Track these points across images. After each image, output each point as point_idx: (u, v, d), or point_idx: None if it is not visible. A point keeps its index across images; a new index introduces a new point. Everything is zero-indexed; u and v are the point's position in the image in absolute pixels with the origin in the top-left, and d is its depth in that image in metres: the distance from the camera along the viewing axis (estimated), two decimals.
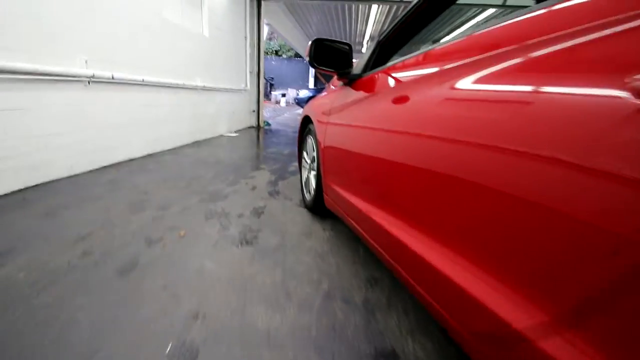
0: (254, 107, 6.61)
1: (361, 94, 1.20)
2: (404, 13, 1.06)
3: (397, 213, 0.86)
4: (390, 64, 1.06)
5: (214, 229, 1.55)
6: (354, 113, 1.21)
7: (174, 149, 3.60)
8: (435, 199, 0.69)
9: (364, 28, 10.11)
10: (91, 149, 2.48)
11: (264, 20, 6.76)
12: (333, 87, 1.62)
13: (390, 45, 1.21)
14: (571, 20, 0.47)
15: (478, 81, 0.61)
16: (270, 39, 19.10)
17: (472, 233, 0.58)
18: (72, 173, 2.31)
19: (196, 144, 4.04)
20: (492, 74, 0.57)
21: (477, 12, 7.46)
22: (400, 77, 0.95)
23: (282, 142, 4.61)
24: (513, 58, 0.53)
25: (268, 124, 6.92)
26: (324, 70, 1.27)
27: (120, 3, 2.67)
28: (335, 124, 1.40)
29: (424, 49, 0.87)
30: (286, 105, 16.11)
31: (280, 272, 1.20)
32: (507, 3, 5.61)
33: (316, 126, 1.67)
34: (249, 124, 6.43)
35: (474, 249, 0.58)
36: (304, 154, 2.02)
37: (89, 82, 2.40)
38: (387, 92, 0.99)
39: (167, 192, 2.05)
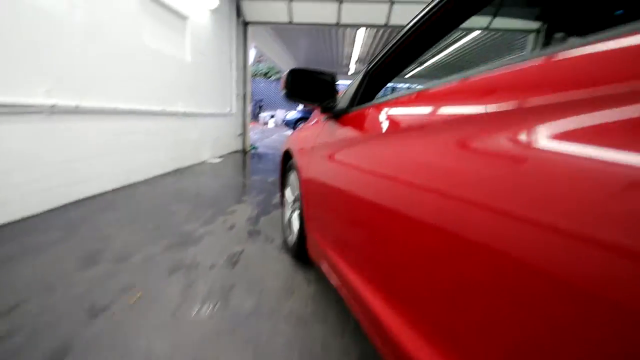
0: (240, 131, 6.44)
1: (348, 133, 1.02)
2: (394, 41, 0.90)
3: (388, 293, 0.66)
4: (382, 100, 0.88)
5: (178, 287, 1.31)
6: (340, 156, 1.02)
7: (151, 179, 3.36)
8: (440, 282, 0.50)
9: (351, 50, 10.21)
10: (52, 185, 2.23)
11: (252, 43, 6.71)
12: (317, 119, 1.44)
13: (380, 76, 1.04)
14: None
15: (488, 132, 0.46)
16: (259, 61, 19.26)
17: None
18: (26, 214, 2.05)
19: (176, 172, 3.81)
20: (502, 127, 0.43)
21: (463, 34, 7.58)
22: (396, 118, 0.77)
23: (268, 168, 4.41)
24: (528, 113, 0.40)
25: (255, 148, 6.74)
26: (303, 103, 1.09)
27: (93, 30, 2.50)
28: (319, 165, 1.20)
29: (424, 86, 0.70)
30: (275, 126, 16.04)
31: (250, 356, 0.96)
32: (515, 27, 5.69)
33: (297, 164, 1.48)
34: (234, 148, 6.24)
35: None
36: (286, 190, 1.81)
37: (50, 113, 2.18)
38: (379, 136, 0.80)
39: (132, 236, 1.80)
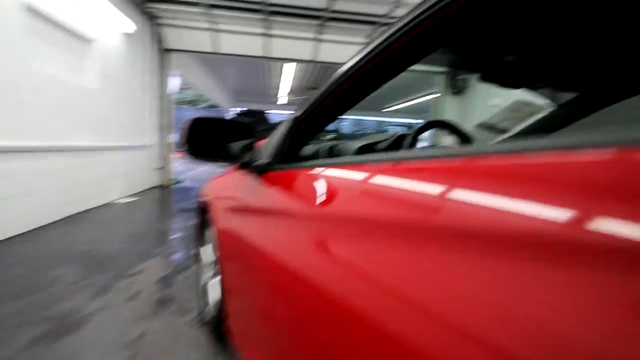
0: (161, 164, 5.80)
1: (274, 197, 0.81)
2: (328, 85, 0.74)
3: None
4: (323, 162, 0.71)
5: None
6: (263, 226, 0.81)
7: (33, 231, 2.67)
8: None
9: (279, 82, 10.30)
10: None
11: (176, 71, 6.25)
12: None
13: (312, 124, 0.87)
14: None
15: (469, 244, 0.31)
16: (185, 89, 18.33)
17: None
18: None
19: (71, 219, 3.13)
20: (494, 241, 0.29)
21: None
22: (341, 189, 0.59)
23: (193, 206, 3.94)
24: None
25: (178, 181, 6.13)
26: (211, 161, 0.86)
27: None
28: (239, 230, 0.97)
29: (379, 156, 0.55)
30: None
31: None
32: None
33: (214, 222, 1.22)
34: (154, 183, 5.56)
35: None
36: (204, 249, 1.51)
37: None
38: (317, 210, 0.62)
39: None
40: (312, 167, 0.70)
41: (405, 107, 12.58)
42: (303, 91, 10.95)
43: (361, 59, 0.65)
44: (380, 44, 0.60)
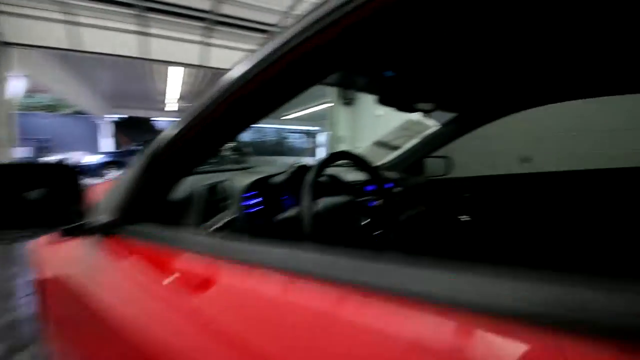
0: None
1: (121, 281, 0.55)
2: (205, 103, 0.50)
3: None
4: (194, 242, 0.50)
5: None
6: (107, 319, 0.53)
7: None
8: None
9: (165, 86, 9.27)
10: None
11: (20, 70, 4.87)
12: None
13: (180, 160, 0.61)
14: None
15: None
16: (38, 91, 14.79)
17: None
18: None
19: None
20: None
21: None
22: (210, 297, 0.38)
23: None
24: None
25: None
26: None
27: None
28: (82, 323, 0.66)
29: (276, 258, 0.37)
30: None
31: None
32: None
33: (49, 307, 0.85)
34: None
35: None
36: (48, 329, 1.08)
37: None
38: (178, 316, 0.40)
39: None
40: (178, 249, 0.47)
41: (303, 115, 12.85)
42: (195, 97, 10.09)
43: (248, 72, 0.44)
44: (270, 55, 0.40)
